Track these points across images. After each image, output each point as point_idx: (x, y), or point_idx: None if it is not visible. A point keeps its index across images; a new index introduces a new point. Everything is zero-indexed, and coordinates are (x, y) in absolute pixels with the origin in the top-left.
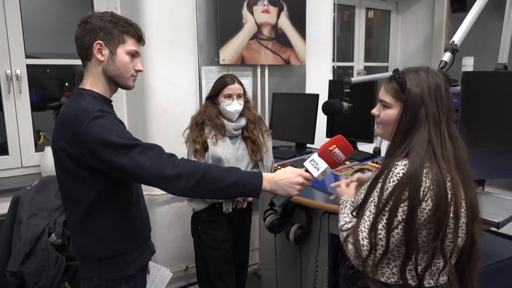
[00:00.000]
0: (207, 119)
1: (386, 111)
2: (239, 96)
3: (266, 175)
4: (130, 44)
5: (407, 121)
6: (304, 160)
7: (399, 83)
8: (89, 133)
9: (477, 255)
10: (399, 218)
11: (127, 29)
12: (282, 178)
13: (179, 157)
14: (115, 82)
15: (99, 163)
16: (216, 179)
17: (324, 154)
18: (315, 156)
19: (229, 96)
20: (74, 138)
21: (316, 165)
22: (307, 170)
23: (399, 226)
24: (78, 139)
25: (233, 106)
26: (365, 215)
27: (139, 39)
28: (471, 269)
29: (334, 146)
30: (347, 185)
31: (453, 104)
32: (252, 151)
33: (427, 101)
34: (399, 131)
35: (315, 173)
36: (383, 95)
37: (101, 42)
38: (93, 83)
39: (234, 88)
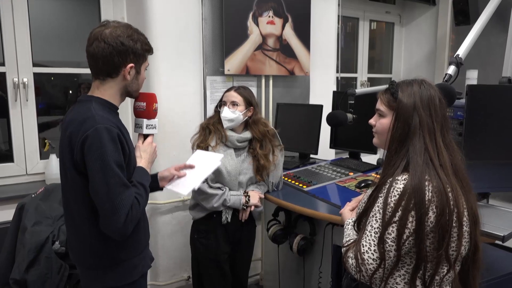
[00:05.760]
0: (211, 124)
1: (381, 120)
2: (232, 103)
3: (142, 165)
4: (147, 60)
5: (400, 129)
6: (308, 170)
7: (392, 93)
8: (90, 139)
9: (480, 261)
10: (409, 230)
11: (148, 47)
12: (147, 156)
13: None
14: (129, 95)
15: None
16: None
17: (135, 113)
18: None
19: (224, 103)
20: (78, 142)
21: (138, 126)
22: (139, 135)
23: (410, 238)
24: (80, 143)
25: (224, 113)
26: (367, 230)
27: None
28: (475, 276)
29: (136, 102)
30: (352, 209)
31: (455, 116)
32: (257, 170)
33: (420, 110)
34: (393, 139)
35: (144, 131)
36: (379, 105)
37: (133, 65)
38: (105, 93)
39: (228, 95)
